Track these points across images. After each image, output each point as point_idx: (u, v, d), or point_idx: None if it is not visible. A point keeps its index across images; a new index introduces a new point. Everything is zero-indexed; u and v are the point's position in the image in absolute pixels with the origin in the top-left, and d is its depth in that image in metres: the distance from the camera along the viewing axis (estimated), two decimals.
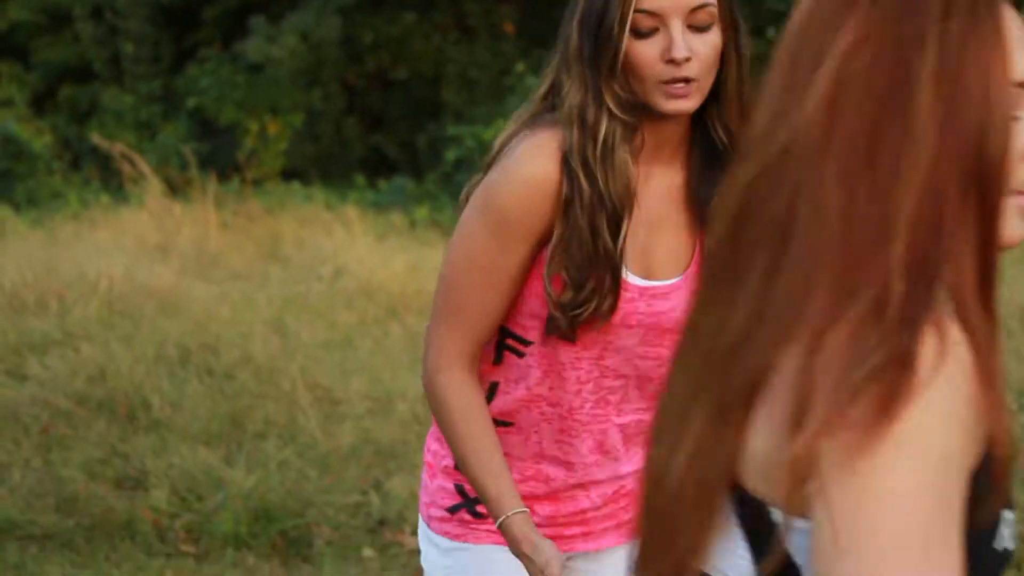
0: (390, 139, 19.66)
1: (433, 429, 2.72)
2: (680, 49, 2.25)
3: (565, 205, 2.35)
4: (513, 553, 2.40)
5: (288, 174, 18.20)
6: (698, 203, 2.44)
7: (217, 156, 17.85)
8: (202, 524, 7.10)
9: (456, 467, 2.56)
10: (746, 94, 2.37)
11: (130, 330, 9.15)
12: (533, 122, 2.44)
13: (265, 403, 8.08)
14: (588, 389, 2.54)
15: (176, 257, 11.56)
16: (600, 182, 2.31)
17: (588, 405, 2.56)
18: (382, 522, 7.16)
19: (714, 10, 2.32)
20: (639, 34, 2.30)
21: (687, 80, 2.28)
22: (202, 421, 7.85)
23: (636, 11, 2.27)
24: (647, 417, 2.53)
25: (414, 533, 7.11)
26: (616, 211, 2.34)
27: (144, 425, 7.92)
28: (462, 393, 2.44)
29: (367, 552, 7.03)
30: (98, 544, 6.97)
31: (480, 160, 2.55)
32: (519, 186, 2.36)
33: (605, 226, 2.33)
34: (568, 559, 2.59)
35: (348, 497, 7.21)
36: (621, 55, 2.28)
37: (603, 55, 2.29)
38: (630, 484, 2.62)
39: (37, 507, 7.18)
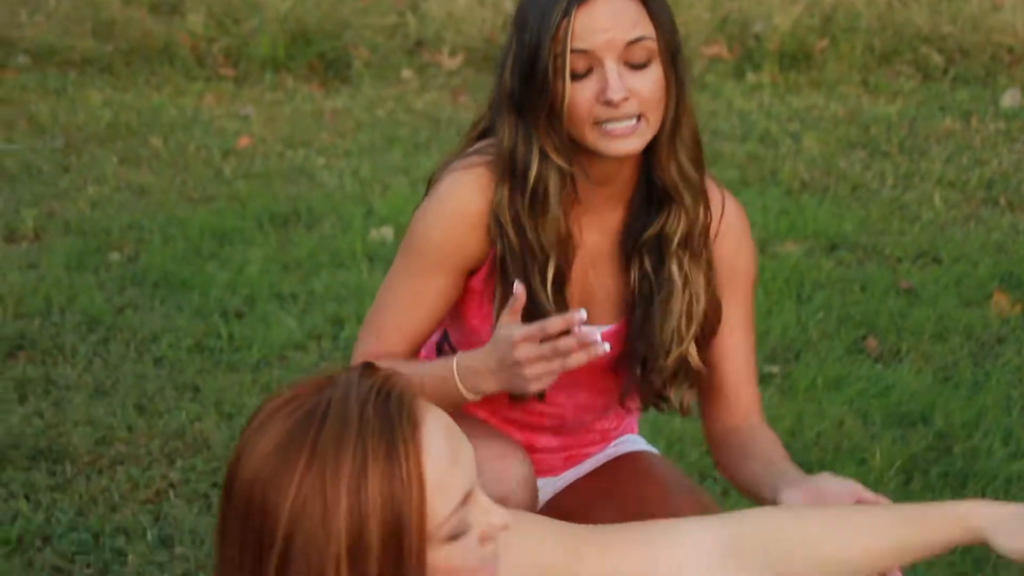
0: None
1: None
2: (616, 91, 2.13)
3: (499, 261, 2.27)
4: (486, 372, 2.26)
5: None
6: (630, 239, 2.32)
7: None
8: (240, 47, 7.04)
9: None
10: (689, 128, 2.24)
11: None
12: (464, 154, 2.33)
13: None
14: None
15: None
16: (529, 233, 2.24)
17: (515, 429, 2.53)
18: (419, 43, 7.09)
19: (651, 44, 2.17)
20: (573, 76, 2.16)
21: (629, 118, 2.15)
22: None
23: (570, 52, 2.13)
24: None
25: (452, 53, 7.07)
26: (548, 262, 2.25)
27: None
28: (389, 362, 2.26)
29: (405, 72, 6.99)
30: (137, 68, 6.95)
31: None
32: (440, 219, 2.29)
33: (539, 280, 2.24)
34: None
35: (385, 19, 7.12)
36: (558, 100, 2.16)
37: (537, 101, 2.18)
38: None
39: (75, 32, 7.12)
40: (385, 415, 1.59)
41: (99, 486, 3.45)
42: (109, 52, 7.02)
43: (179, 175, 5.67)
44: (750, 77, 6.85)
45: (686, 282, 2.28)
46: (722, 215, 2.32)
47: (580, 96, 2.16)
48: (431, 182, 2.34)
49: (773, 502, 2.09)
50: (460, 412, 2.20)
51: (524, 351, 2.06)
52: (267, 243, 4.94)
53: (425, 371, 2.23)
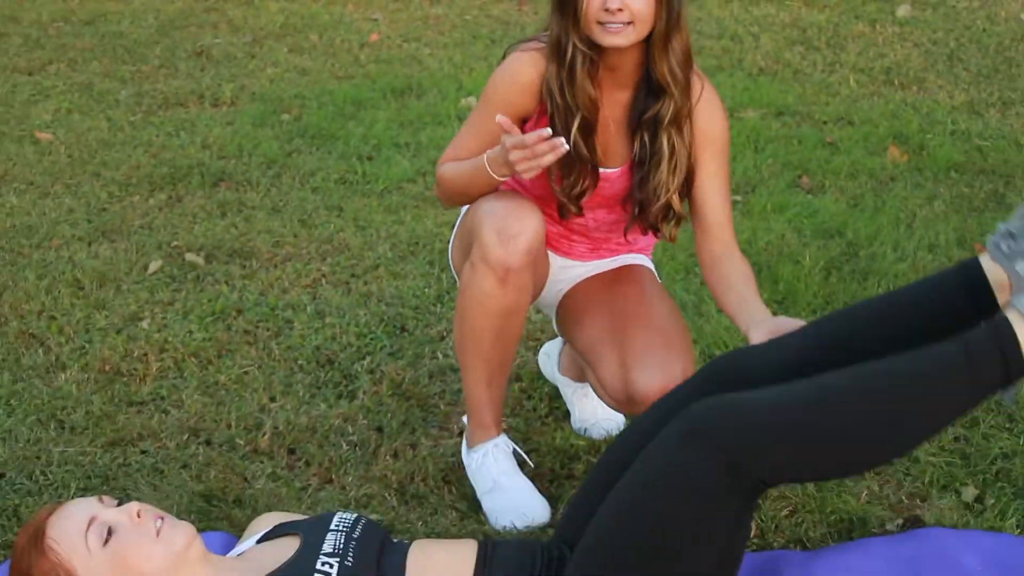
0: None
1: None
2: (613, 1, 2.12)
3: (549, 115, 2.27)
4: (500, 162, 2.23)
5: None
6: (635, 115, 2.28)
7: None
8: None
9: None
10: (680, 42, 2.19)
11: None
12: (527, 41, 2.32)
13: None
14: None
15: None
16: (568, 94, 2.22)
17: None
18: None
19: None
20: None
21: (621, 23, 2.13)
22: None
23: None
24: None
25: None
26: (582, 115, 2.24)
27: None
28: (447, 165, 2.35)
29: None
30: None
31: None
32: (502, 81, 2.30)
33: (576, 129, 2.24)
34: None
35: None
36: (580, 5, 2.14)
37: (567, 5, 2.17)
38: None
39: None
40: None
41: (274, 275, 3.42)
42: None
43: (329, 60, 5.59)
44: None
45: (672, 151, 2.27)
46: (700, 97, 2.28)
47: (591, 3, 2.15)
48: (504, 56, 2.34)
49: (746, 332, 2.11)
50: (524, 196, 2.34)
51: (514, 154, 2.12)
52: (389, 108, 4.86)
53: (470, 164, 2.28)
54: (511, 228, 2.21)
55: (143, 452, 2.61)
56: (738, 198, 3.91)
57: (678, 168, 2.27)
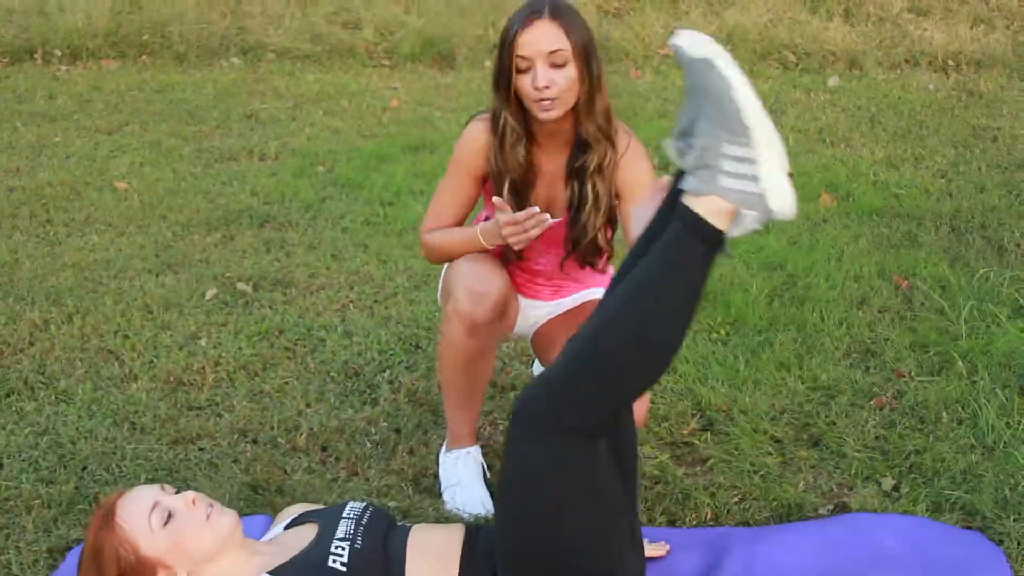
0: None
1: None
2: (539, 81, 2.11)
3: (491, 176, 2.27)
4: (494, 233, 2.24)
5: None
6: (570, 171, 2.27)
7: None
8: (393, 48, 6.90)
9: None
10: (601, 102, 2.19)
11: None
12: (484, 111, 2.30)
13: None
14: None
15: None
16: (499, 161, 2.22)
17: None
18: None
19: (567, 53, 2.12)
20: (519, 71, 2.14)
21: (550, 99, 2.13)
22: None
23: (516, 57, 2.12)
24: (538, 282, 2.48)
25: None
26: (511, 178, 2.23)
27: None
28: (435, 233, 2.34)
29: (487, 63, 6.82)
30: (334, 60, 6.83)
31: None
32: (462, 146, 2.29)
33: (507, 189, 2.23)
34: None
35: (477, 30, 6.94)
36: (512, 86, 2.15)
37: (503, 84, 2.17)
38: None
39: (299, 39, 7.00)
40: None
41: (310, 301, 3.42)
42: (318, 51, 6.91)
43: (357, 122, 5.59)
44: None
45: (597, 196, 2.26)
46: (627, 149, 2.28)
47: (523, 84, 2.15)
48: (467, 123, 2.32)
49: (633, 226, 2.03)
50: (494, 259, 2.31)
51: (507, 229, 2.11)
52: (406, 162, 4.86)
53: (460, 236, 2.27)
54: (480, 287, 2.21)
55: (200, 449, 2.62)
56: None
57: (603, 209, 2.27)
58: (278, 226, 4.08)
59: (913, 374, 2.87)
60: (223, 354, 3.05)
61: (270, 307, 3.36)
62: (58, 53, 6.88)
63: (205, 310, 3.35)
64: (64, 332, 3.18)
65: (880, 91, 5.99)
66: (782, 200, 1.64)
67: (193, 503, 1.78)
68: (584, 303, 2.52)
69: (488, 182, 2.29)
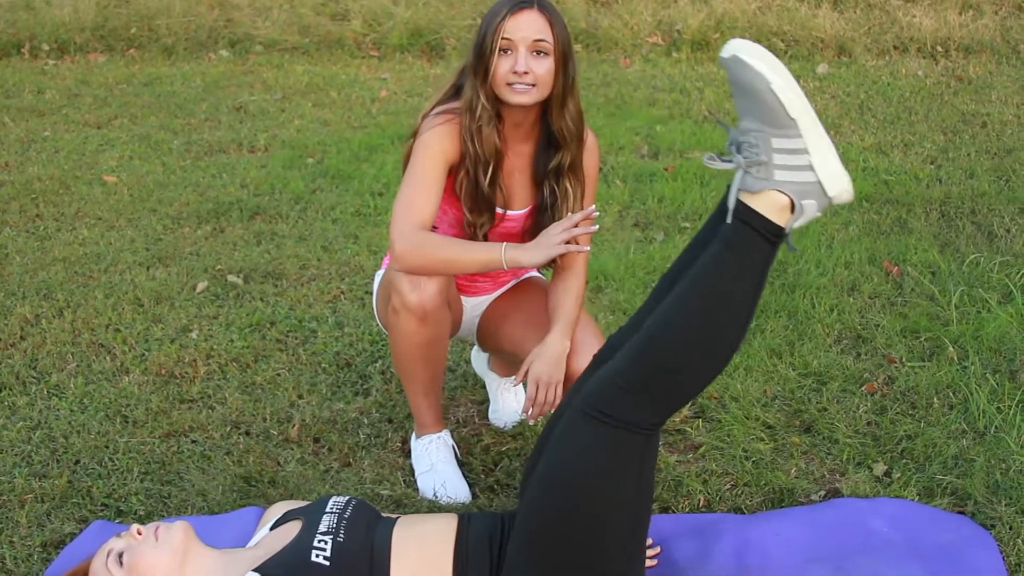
0: None
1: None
2: (519, 65, 2.13)
3: (462, 160, 2.24)
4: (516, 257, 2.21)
5: None
6: (537, 165, 2.30)
7: None
8: (381, 39, 6.89)
9: None
10: (574, 102, 2.22)
11: None
12: (437, 112, 2.25)
13: None
14: None
15: None
16: (477, 145, 2.20)
17: None
18: None
19: (549, 46, 2.15)
20: (501, 52, 2.15)
21: (526, 84, 2.14)
22: None
23: (501, 39, 2.13)
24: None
25: None
26: (487, 163, 2.22)
27: None
28: (427, 233, 2.24)
29: None
30: (323, 52, 6.83)
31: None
32: (437, 131, 2.19)
33: (483, 174, 2.22)
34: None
35: (464, 21, 6.93)
36: (491, 66, 2.15)
37: (480, 66, 2.16)
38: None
39: (288, 31, 6.98)
40: None
41: (301, 293, 3.41)
42: (307, 42, 6.89)
43: (346, 113, 5.59)
44: (674, 55, 6.67)
45: (566, 193, 2.30)
46: (586, 145, 2.33)
47: (501, 66, 2.15)
48: (416, 131, 2.25)
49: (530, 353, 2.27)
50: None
51: (562, 234, 2.14)
52: (396, 152, 4.85)
53: (481, 253, 2.18)
54: (421, 276, 2.19)
55: (193, 442, 2.61)
56: (687, 225, 3.93)
57: (575, 207, 2.30)
58: (268, 218, 4.07)
59: (904, 360, 2.88)
60: (215, 346, 3.05)
61: (261, 299, 3.36)
62: (46, 47, 6.85)
63: (196, 303, 3.34)
64: (55, 326, 3.18)
65: (869, 78, 6.00)
66: (839, 185, 1.65)
67: (138, 533, 1.79)
68: (521, 281, 2.56)
69: (451, 174, 2.29)
